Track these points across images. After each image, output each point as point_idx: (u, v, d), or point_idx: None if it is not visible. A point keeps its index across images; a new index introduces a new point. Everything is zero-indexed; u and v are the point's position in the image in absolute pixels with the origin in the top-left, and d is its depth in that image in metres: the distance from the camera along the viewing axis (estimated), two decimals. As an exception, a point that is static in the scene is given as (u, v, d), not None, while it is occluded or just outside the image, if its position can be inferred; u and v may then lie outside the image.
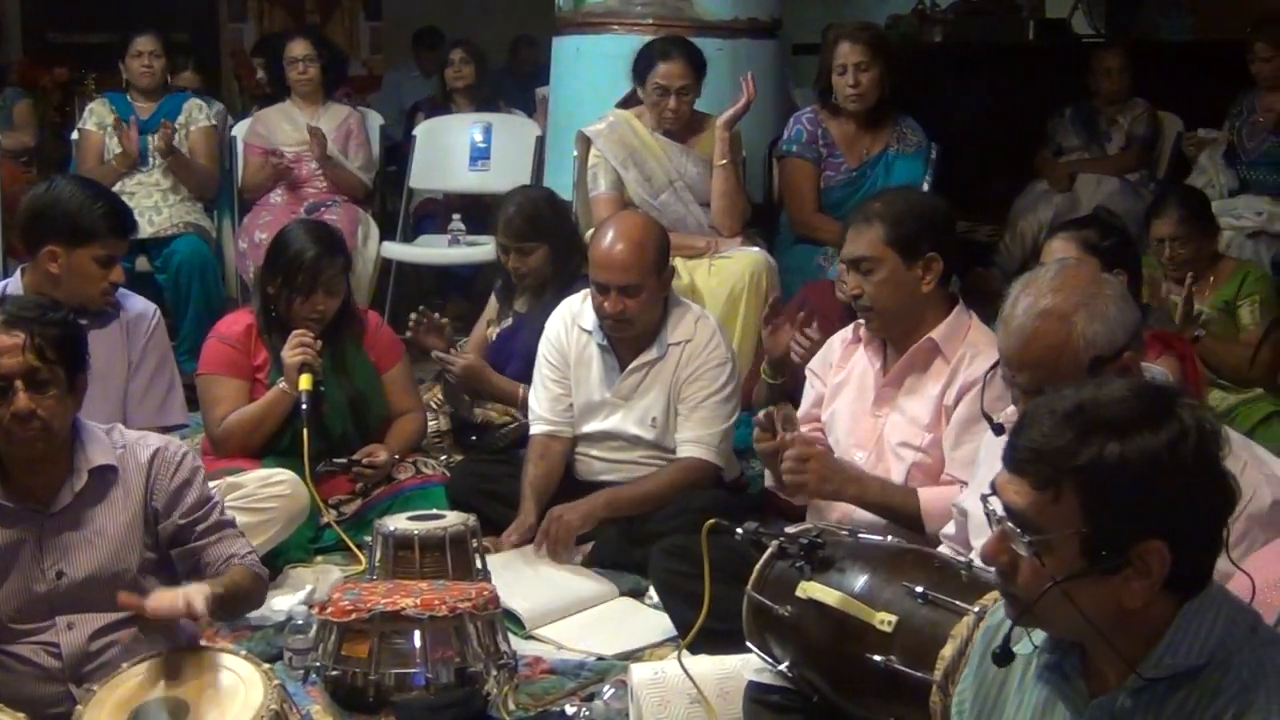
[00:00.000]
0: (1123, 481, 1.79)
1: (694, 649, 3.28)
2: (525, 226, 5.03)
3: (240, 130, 7.07)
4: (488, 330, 5.24)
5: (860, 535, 3.00)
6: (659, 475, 4.33)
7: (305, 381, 4.36)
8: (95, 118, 6.67)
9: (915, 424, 3.63)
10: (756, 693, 2.99)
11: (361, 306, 5.07)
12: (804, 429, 3.87)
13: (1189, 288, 4.76)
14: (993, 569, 1.94)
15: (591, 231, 4.98)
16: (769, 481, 3.82)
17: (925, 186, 5.56)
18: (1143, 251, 4.76)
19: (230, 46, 10.93)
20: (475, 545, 3.78)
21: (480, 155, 7.25)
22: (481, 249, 6.58)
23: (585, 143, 5.66)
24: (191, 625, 3.16)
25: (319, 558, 4.39)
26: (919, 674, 2.62)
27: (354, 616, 3.18)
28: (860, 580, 2.81)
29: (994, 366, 2.92)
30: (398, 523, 3.78)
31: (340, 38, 10.68)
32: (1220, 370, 4.88)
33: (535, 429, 4.49)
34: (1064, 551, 1.83)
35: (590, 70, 6.16)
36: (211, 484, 3.32)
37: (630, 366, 4.37)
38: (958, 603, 2.66)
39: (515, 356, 4.95)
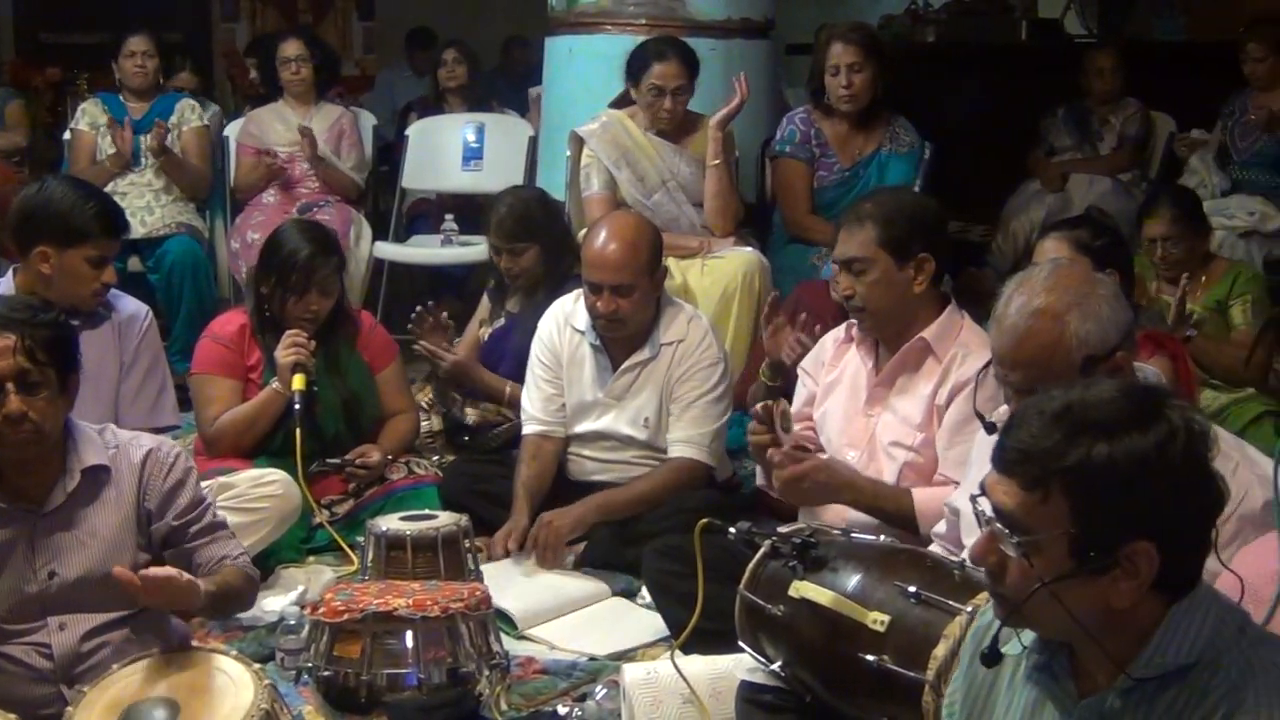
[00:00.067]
0: (1111, 482, 1.79)
1: (686, 649, 3.28)
2: (516, 227, 5.03)
3: (233, 130, 7.07)
4: (480, 330, 5.24)
5: (853, 535, 3.00)
6: (651, 476, 4.33)
7: (298, 382, 4.36)
8: (88, 118, 6.66)
9: (907, 423, 3.64)
10: (749, 692, 2.99)
11: (354, 307, 5.06)
12: (796, 427, 3.88)
13: (1183, 288, 4.77)
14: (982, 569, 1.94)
15: (584, 231, 4.98)
16: (760, 480, 3.83)
17: (916, 187, 5.56)
18: (1135, 251, 4.76)
19: (223, 47, 10.91)
20: (468, 546, 3.78)
21: (473, 155, 7.25)
22: (474, 249, 6.57)
23: (578, 143, 5.66)
24: (183, 626, 3.17)
25: (311, 558, 4.38)
26: (912, 674, 2.62)
27: (346, 617, 3.17)
28: (853, 580, 2.80)
29: (986, 366, 2.93)
30: (390, 523, 3.77)
31: (333, 38, 10.67)
32: (1212, 370, 4.88)
33: (528, 429, 4.48)
34: (1052, 552, 1.83)
35: (583, 70, 6.16)
36: (203, 484, 3.32)
37: (623, 367, 4.37)
38: (950, 602, 2.66)
39: (508, 356, 4.95)
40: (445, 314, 5.08)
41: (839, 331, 3.90)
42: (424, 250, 7.06)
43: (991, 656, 1.97)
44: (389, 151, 7.62)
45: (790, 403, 3.94)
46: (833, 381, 3.85)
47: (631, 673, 3.27)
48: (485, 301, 5.34)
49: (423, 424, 5.02)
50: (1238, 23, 7.21)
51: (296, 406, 4.35)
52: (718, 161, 5.50)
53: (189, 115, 6.71)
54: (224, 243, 6.80)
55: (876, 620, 2.71)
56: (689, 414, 4.33)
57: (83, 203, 4.07)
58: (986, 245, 7.15)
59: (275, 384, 4.41)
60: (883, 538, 3.10)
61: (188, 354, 4.98)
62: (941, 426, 3.58)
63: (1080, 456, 1.80)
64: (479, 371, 5.00)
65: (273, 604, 3.88)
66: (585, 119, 5.69)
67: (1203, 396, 4.66)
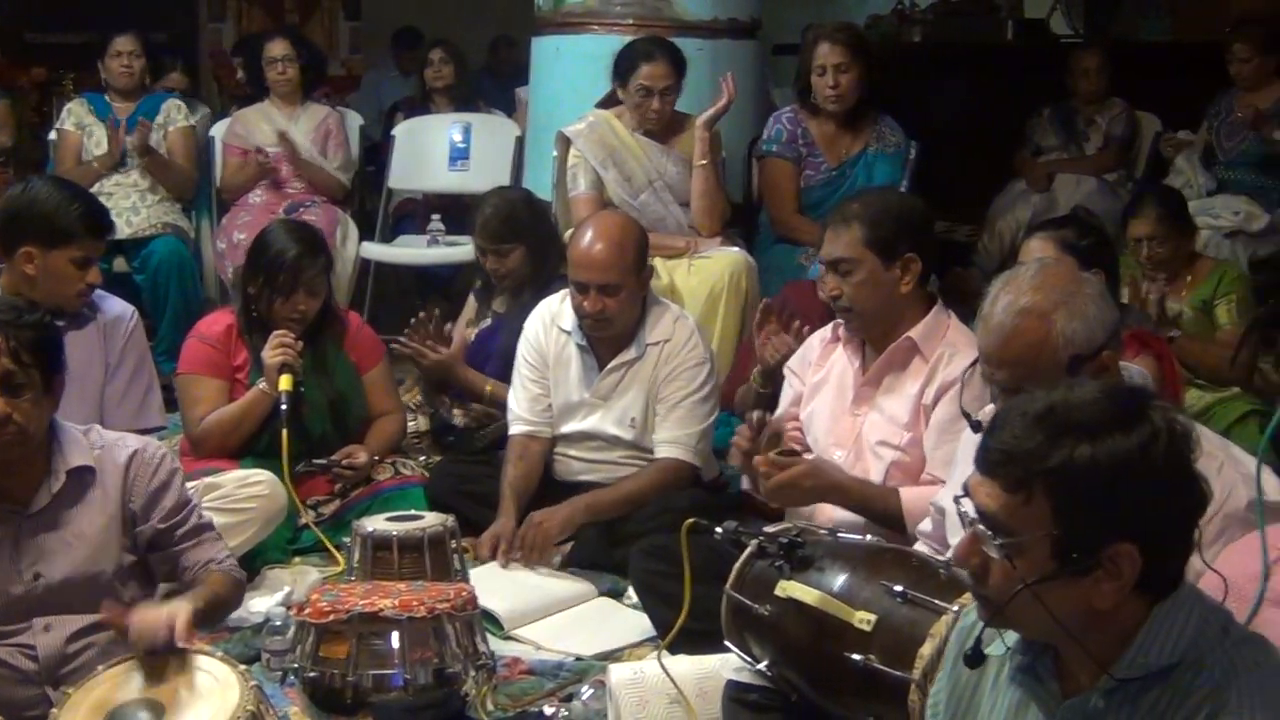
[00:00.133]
0: (1093, 484, 1.79)
1: (673, 649, 3.28)
2: (502, 228, 5.03)
3: (219, 130, 7.06)
4: (466, 330, 5.24)
5: (840, 534, 3.00)
6: (638, 477, 4.33)
7: (285, 382, 4.35)
8: (73, 118, 6.65)
9: (894, 423, 3.64)
10: (735, 692, 2.99)
11: (341, 307, 5.05)
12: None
13: (1160, 288, 4.80)
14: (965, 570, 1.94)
15: (571, 232, 4.98)
16: (746, 484, 3.82)
17: (903, 187, 5.56)
18: (1120, 251, 4.77)
19: (209, 47, 10.89)
20: (454, 546, 3.77)
21: (460, 155, 7.24)
22: (460, 249, 6.56)
23: (565, 143, 5.66)
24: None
25: (297, 559, 4.38)
26: (898, 673, 2.62)
27: (332, 618, 3.16)
28: (839, 579, 2.81)
29: (973, 365, 2.93)
30: (376, 523, 3.76)
31: (319, 38, 10.64)
32: (1197, 369, 4.89)
33: (514, 429, 4.48)
34: (1035, 554, 1.83)
35: (570, 70, 6.16)
36: (189, 484, 3.31)
37: (609, 366, 4.37)
38: (937, 601, 2.66)
39: (494, 357, 4.95)
40: (442, 319, 5.08)
41: (825, 331, 3.90)
42: (410, 250, 7.05)
43: (974, 658, 1.97)
44: (375, 151, 7.62)
45: (778, 404, 3.95)
46: (819, 381, 3.85)
47: (618, 673, 3.27)
48: (471, 302, 5.34)
49: (409, 424, 5.02)
50: (1223, 23, 7.23)
51: (283, 407, 4.35)
52: (704, 161, 5.50)
53: (175, 115, 6.70)
54: (210, 243, 6.79)
55: (863, 619, 2.72)
56: (675, 414, 4.33)
57: (68, 203, 4.07)
58: (972, 245, 7.17)
59: (262, 384, 4.40)
60: (869, 537, 3.11)
61: (174, 354, 4.97)
62: (929, 426, 3.59)
63: (1063, 458, 1.80)
64: (461, 369, 5.00)
65: (259, 605, 3.87)
66: (572, 119, 5.69)
67: (1188, 396, 4.67)
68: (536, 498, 4.39)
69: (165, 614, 2.85)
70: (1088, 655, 1.86)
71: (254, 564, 4.12)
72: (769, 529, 3.06)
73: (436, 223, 6.87)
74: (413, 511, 3.98)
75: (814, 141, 5.71)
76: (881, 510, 3.55)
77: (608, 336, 4.35)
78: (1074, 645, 1.87)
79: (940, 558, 2.87)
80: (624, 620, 3.97)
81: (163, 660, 2.87)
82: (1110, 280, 3.88)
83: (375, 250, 6.91)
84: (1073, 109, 7.12)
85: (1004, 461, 1.84)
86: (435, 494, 4.49)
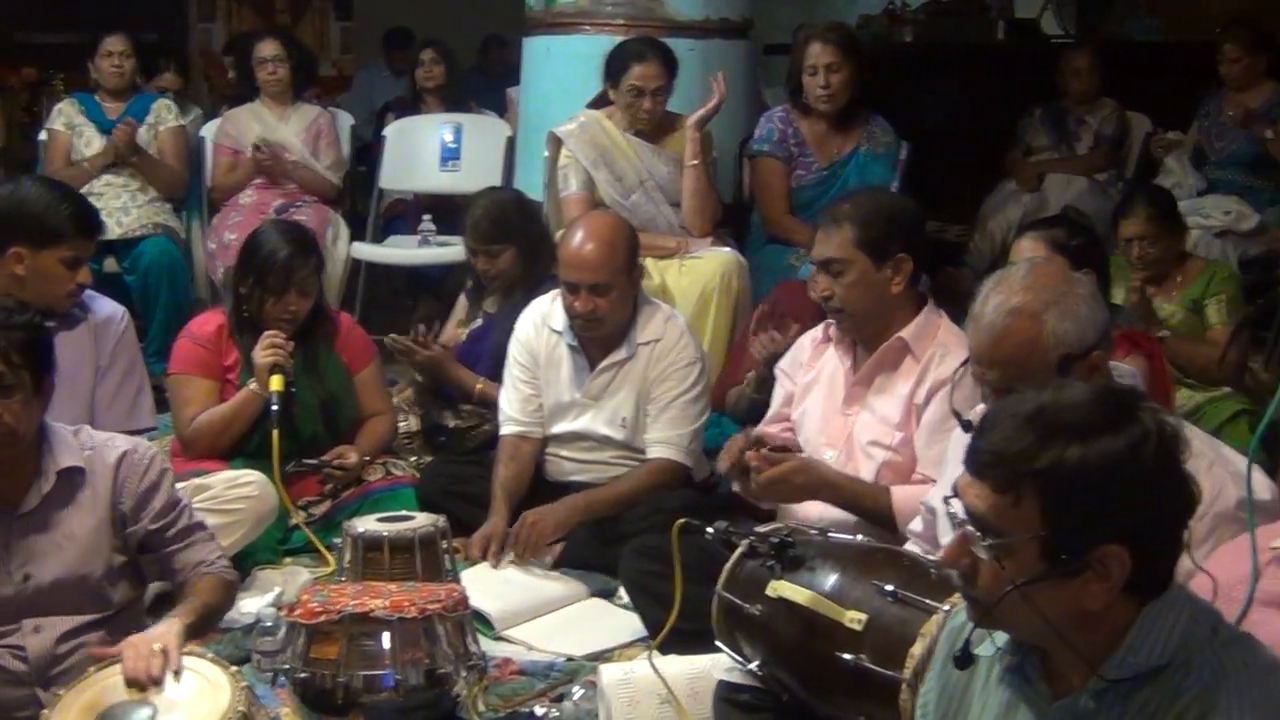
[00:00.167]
0: (1082, 486, 1.79)
1: (664, 649, 3.28)
2: (492, 229, 5.04)
3: (209, 130, 7.04)
4: (457, 331, 5.24)
5: (830, 534, 3.01)
6: (630, 477, 4.32)
7: (276, 383, 4.35)
8: (63, 118, 6.63)
9: (885, 423, 3.64)
10: (726, 692, 2.99)
11: (332, 307, 5.05)
12: (774, 428, 3.88)
13: (1144, 288, 4.82)
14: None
15: (562, 232, 4.98)
16: (737, 486, 3.82)
17: (894, 187, 5.56)
18: (1111, 251, 4.78)
19: (199, 47, 10.88)
20: (445, 547, 3.77)
21: (451, 156, 7.23)
22: (451, 249, 6.55)
23: (556, 143, 5.65)
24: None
25: (288, 559, 4.37)
26: (888, 672, 2.63)
27: (323, 618, 3.16)
28: (830, 579, 2.81)
29: (964, 364, 2.94)
30: (367, 524, 3.75)
31: (310, 38, 10.65)
32: (1188, 369, 4.90)
33: (505, 430, 4.48)
34: (1024, 555, 1.83)
35: (561, 70, 6.16)
36: (179, 485, 3.31)
37: (600, 366, 4.37)
38: (928, 601, 2.66)
39: (485, 357, 4.94)
40: (431, 322, 5.08)
41: (817, 331, 3.90)
42: (401, 251, 7.04)
43: (963, 659, 1.98)
44: (366, 152, 7.60)
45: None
46: (810, 381, 3.85)
47: (609, 673, 3.27)
48: (462, 302, 5.34)
49: (400, 425, 5.01)
50: (1214, 23, 7.25)
51: (274, 407, 4.34)
52: (696, 161, 5.50)
53: (165, 115, 6.69)
54: (200, 243, 6.77)
55: (854, 619, 2.72)
56: (667, 414, 4.33)
57: (57, 203, 4.06)
58: (964, 245, 7.17)
59: (253, 385, 4.39)
60: (860, 537, 3.11)
61: (164, 355, 4.96)
62: (920, 425, 3.60)
63: (1052, 460, 1.80)
64: (452, 367, 5.00)
65: (249, 606, 3.87)
66: (563, 119, 5.68)
67: (1179, 395, 4.68)
68: (527, 498, 4.38)
69: (156, 644, 2.84)
70: (1077, 656, 1.86)
71: (244, 565, 4.11)
72: (760, 529, 3.07)
73: (427, 223, 6.86)
74: (404, 512, 3.97)
75: (805, 141, 5.71)
76: (872, 508, 3.56)
77: (599, 337, 4.35)
78: (1063, 646, 1.87)
79: (931, 558, 2.88)
80: (615, 620, 3.97)
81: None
82: (1101, 280, 3.89)
83: (366, 250, 6.90)
84: (1063, 109, 7.13)
85: (993, 463, 1.84)
86: (426, 494, 4.49)
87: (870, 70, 5.74)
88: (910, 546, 3.18)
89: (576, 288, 4.25)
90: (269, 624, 3.62)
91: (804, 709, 2.86)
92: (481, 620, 3.78)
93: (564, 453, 4.46)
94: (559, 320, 4.42)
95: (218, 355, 4.52)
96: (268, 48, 6.87)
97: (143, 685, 2.78)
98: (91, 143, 6.55)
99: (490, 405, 4.69)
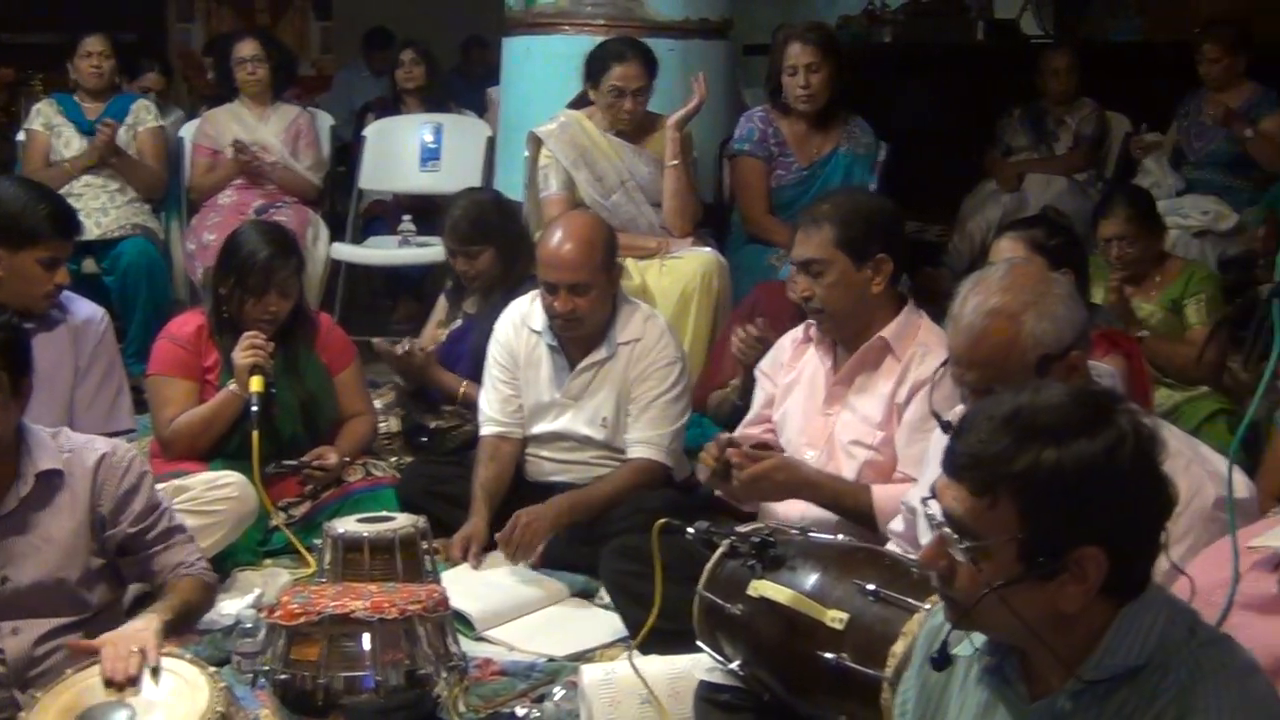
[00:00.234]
0: (1059, 489, 1.79)
1: (645, 649, 3.28)
2: (471, 230, 5.04)
3: (188, 131, 7.03)
4: (437, 331, 5.23)
5: (811, 534, 3.01)
6: (614, 477, 4.31)
7: (256, 383, 4.33)
8: (42, 118, 6.61)
9: (867, 422, 3.65)
10: (707, 692, 2.99)
11: (312, 308, 5.04)
12: (755, 430, 3.88)
13: (1121, 288, 4.84)
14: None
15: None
16: (719, 490, 3.82)
17: (872, 187, 5.57)
18: (1090, 251, 4.79)
19: (178, 47, 10.85)
20: (425, 547, 3.77)
21: (431, 156, 7.22)
22: (431, 250, 6.54)
23: (536, 143, 5.65)
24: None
25: (268, 560, 4.36)
26: (870, 671, 2.63)
27: (303, 620, 3.15)
28: (811, 578, 2.81)
29: (943, 365, 2.94)
30: (347, 525, 3.75)
31: (290, 38, 10.62)
32: (1166, 368, 4.92)
33: (485, 430, 4.47)
34: (1001, 557, 1.83)
35: (541, 70, 6.15)
36: (158, 487, 3.30)
37: (580, 366, 4.37)
38: (909, 600, 2.67)
39: (465, 357, 4.94)
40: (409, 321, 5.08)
41: (797, 332, 3.91)
42: (381, 251, 7.03)
43: (940, 661, 1.97)
44: (346, 152, 7.59)
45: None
46: (791, 382, 3.85)
47: (590, 673, 3.27)
48: (442, 303, 5.33)
49: (380, 425, 5.00)
50: (1193, 24, 7.26)
51: (254, 408, 4.33)
52: (676, 162, 5.50)
53: (144, 116, 6.67)
54: (179, 244, 6.75)
55: (835, 618, 2.72)
56: (647, 414, 4.32)
57: (34, 204, 4.04)
58: (943, 245, 7.19)
59: (232, 385, 4.38)
60: (841, 536, 3.12)
61: (143, 356, 4.95)
62: (901, 424, 3.60)
63: (1029, 462, 1.80)
64: (435, 370, 4.99)
65: (229, 607, 3.85)
66: (543, 119, 5.68)
67: (1157, 395, 4.69)
68: (508, 499, 4.38)
69: (134, 642, 2.83)
70: (1055, 657, 1.86)
71: (224, 566, 4.10)
72: (741, 529, 3.06)
73: (407, 223, 6.86)
74: (384, 513, 3.97)
75: (785, 141, 5.71)
76: (853, 507, 3.56)
77: (578, 336, 4.35)
78: (1041, 647, 1.87)
79: (912, 557, 2.88)
80: (596, 621, 3.97)
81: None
82: (1080, 280, 3.90)
83: (346, 251, 6.89)
84: (1043, 109, 7.15)
85: (970, 465, 1.84)
86: (407, 495, 4.48)
87: (849, 70, 5.74)
88: (891, 547, 3.19)
89: (555, 288, 4.25)
90: (249, 625, 3.62)
91: (785, 708, 2.86)
92: (462, 621, 3.77)
93: (544, 453, 4.46)
94: (538, 320, 4.41)
95: (197, 356, 4.51)
96: (247, 48, 6.86)
97: (120, 686, 2.77)
98: (70, 143, 6.52)
99: (473, 407, 4.68)
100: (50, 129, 6.57)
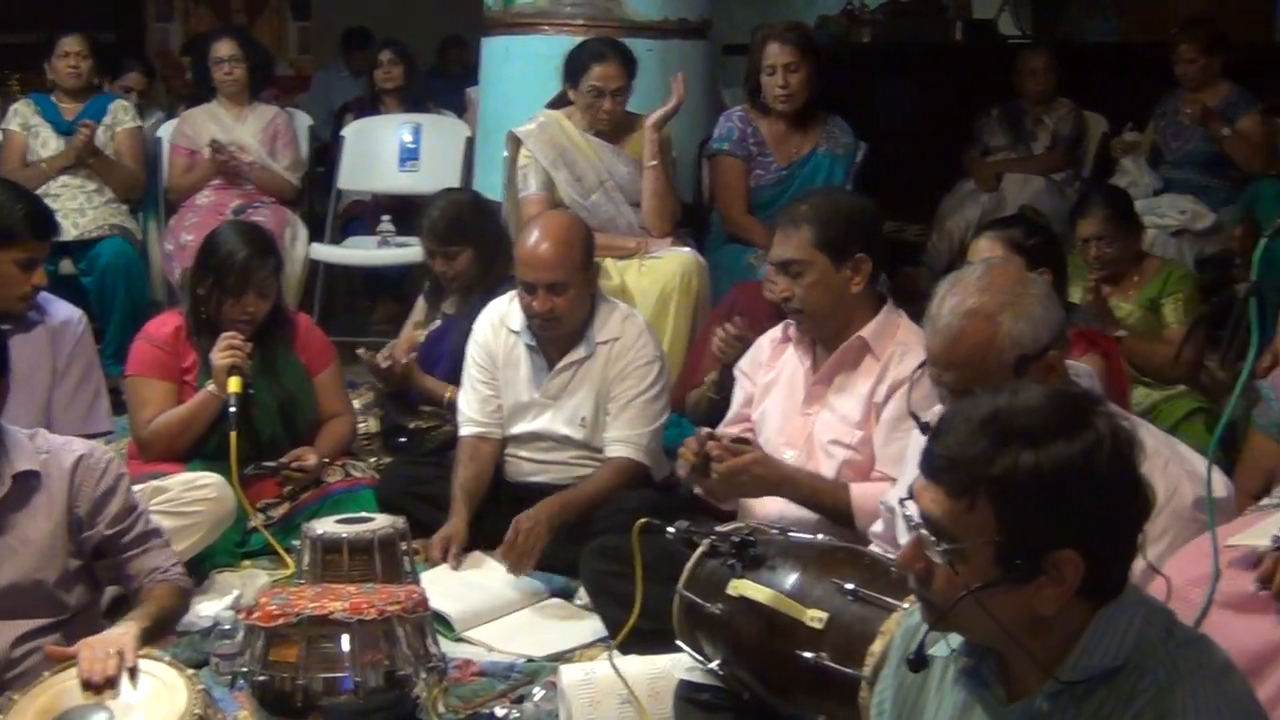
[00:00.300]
0: (1037, 492, 1.79)
1: (625, 649, 3.28)
2: (449, 230, 5.03)
3: (166, 131, 7.01)
4: (415, 332, 5.22)
5: (791, 534, 3.01)
6: (595, 478, 4.30)
7: (234, 384, 4.33)
8: (19, 119, 6.58)
9: (846, 421, 3.65)
10: (687, 691, 2.99)
11: (290, 308, 5.03)
12: (734, 429, 3.89)
13: (1098, 287, 4.86)
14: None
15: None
16: (697, 487, 3.82)
17: (847, 188, 5.58)
18: (1068, 250, 4.81)
19: (156, 47, 10.82)
20: (404, 548, 3.76)
21: (409, 156, 7.22)
22: (410, 250, 6.52)
23: (516, 143, 5.64)
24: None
25: (246, 562, 4.35)
26: (849, 670, 2.63)
27: (281, 621, 3.15)
28: (791, 578, 2.82)
29: (921, 365, 2.95)
30: (326, 526, 3.75)
31: (268, 37, 10.59)
32: (1144, 367, 4.93)
33: (464, 431, 4.47)
34: (978, 560, 1.83)
35: (520, 71, 6.15)
36: (136, 488, 3.29)
37: (558, 366, 4.37)
38: (888, 599, 2.67)
39: (444, 358, 4.93)
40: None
41: (775, 332, 3.91)
42: (360, 252, 7.02)
43: (916, 662, 1.97)
44: (325, 152, 7.58)
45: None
46: (770, 382, 3.86)
47: (569, 674, 3.27)
48: (420, 303, 5.33)
49: (359, 426, 5.00)
50: (1170, 24, 7.29)
51: (232, 409, 4.32)
52: (655, 162, 5.50)
53: (122, 116, 6.65)
54: (157, 245, 6.74)
55: (814, 617, 2.73)
56: (626, 414, 4.32)
57: (11, 204, 4.03)
58: (922, 245, 7.20)
59: (210, 386, 4.37)
60: (821, 536, 3.12)
61: (121, 357, 4.93)
62: (879, 423, 3.60)
63: (1006, 465, 1.79)
64: (419, 377, 4.98)
65: (207, 609, 3.85)
66: (522, 119, 5.67)
67: (1135, 394, 4.71)
68: (487, 499, 4.38)
69: (112, 647, 2.83)
70: (1032, 659, 1.86)
71: (202, 567, 4.10)
72: (721, 528, 3.07)
73: (386, 224, 6.84)
74: (363, 514, 3.97)
75: (764, 141, 5.72)
76: (831, 504, 3.56)
77: (556, 336, 4.35)
78: (1018, 649, 1.87)
79: (891, 557, 2.88)
80: (575, 621, 3.97)
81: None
82: (1058, 279, 3.91)
83: (324, 251, 6.88)
84: (1020, 109, 7.16)
85: (948, 468, 1.84)
86: (385, 496, 4.47)
87: (828, 70, 5.75)
88: (872, 548, 3.19)
89: (533, 287, 4.25)
90: (227, 627, 3.61)
91: (765, 708, 2.86)
92: (441, 622, 3.77)
93: (523, 453, 4.46)
94: (517, 320, 4.41)
95: (175, 357, 4.49)
96: (224, 47, 6.84)
97: (98, 688, 2.76)
98: (48, 143, 6.50)
99: (452, 408, 4.67)
100: (27, 129, 6.54)
